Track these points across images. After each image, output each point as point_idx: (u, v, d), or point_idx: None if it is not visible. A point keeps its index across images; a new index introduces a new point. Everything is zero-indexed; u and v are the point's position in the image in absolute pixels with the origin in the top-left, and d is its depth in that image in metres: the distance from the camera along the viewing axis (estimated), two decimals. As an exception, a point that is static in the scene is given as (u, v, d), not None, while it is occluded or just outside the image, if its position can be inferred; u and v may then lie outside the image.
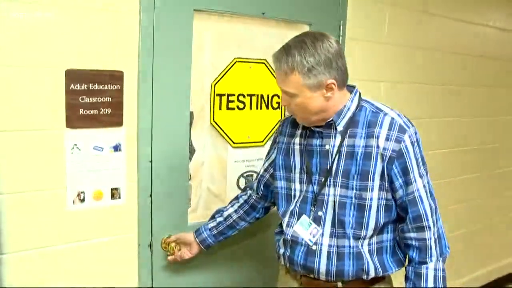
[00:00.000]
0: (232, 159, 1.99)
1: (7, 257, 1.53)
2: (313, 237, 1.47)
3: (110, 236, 1.71)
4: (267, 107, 2.07)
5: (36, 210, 1.56)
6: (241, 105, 1.99)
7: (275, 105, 2.09)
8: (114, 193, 1.71)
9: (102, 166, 1.67)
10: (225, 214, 1.76)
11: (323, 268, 1.45)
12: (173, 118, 1.81)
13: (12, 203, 1.51)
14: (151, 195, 1.78)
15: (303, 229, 1.49)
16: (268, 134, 2.09)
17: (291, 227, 1.52)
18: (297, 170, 1.55)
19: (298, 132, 1.57)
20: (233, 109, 1.97)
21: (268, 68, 2.04)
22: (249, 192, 1.77)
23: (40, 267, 1.59)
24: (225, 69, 1.93)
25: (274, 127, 2.09)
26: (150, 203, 1.78)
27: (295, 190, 1.55)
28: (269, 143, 2.06)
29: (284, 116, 2.10)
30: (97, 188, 1.67)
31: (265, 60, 2.02)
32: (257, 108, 2.04)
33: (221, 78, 1.92)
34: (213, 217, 1.79)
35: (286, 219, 1.55)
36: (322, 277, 1.46)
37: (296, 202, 1.54)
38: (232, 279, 2.07)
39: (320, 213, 1.47)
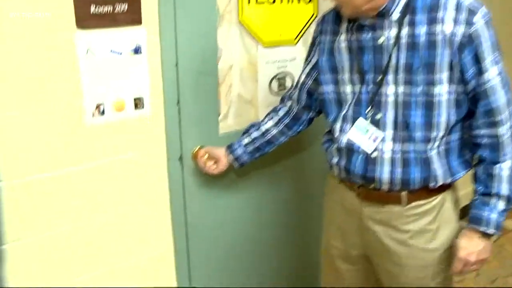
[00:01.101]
0: (263, 60, 1.77)
1: (21, 182, 1.37)
2: (373, 142, 1.30)
3: (136, 151, 1.54)
4: (298, 0, 1.80)
5: (51, 127, 1.37)
6: (271, -1, 1.73)
7: (308, -2, 1.83)
8: (137, 103, 1.51)
9: (122, 72, 1.46)
10: (263, 128, 1.59)
11: (386, 177, 1.29)
12: (198, 14, 1.56)
13: (24, 121, 1.32)
14: (178, 103, 1.58)
15: (361, 134, 1.31)
16: (300, 32, 1.84)
17: (345, 134, 1.35)
18: (346, 70, 1.35)
19: (343, 27, 1.36)
20: (263, 3, 1.71)
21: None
22: (289, 103, 1.58)
23: (59, 190, 1.44)
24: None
25: (307, 24, 1.85)
26: (178, 112, 1.59)
27: (345, 93, 1.36)
28: (302, 42, 1.84)
29: (318, 12, 1.85)
30: (118, 98, 1.47)
31: None
32: (288, 2, 1.78)
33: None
34: (247, 132, 1.61)
35: (338, 125, 1.37)
36: (385, 186, 1.31)
37: (349, 105, 1.35)
38: (271, 197, 1.95)
39: (378, 116, 1.29)
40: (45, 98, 1.34)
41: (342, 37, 1.35)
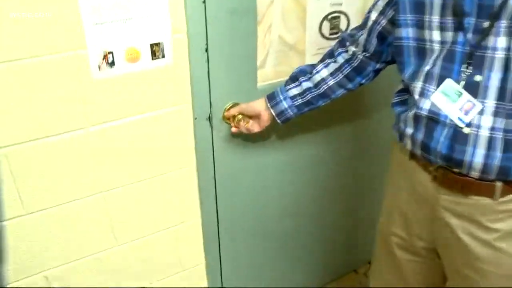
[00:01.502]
0: (313, -6, 1.41)
1: (28, 145, 1.11)
2: (466, 114, 0.97)
3: (155, 110, 1.25)
4: None
5: (51, 82, 1.08)
6: None
7: None
8: (156, 50, 1.20)
9: (134, 11, 1.13)
10: (317, 78, 1.25)
11: (478, 162, 0.97)
12: None
13: (21, 70, 1.03)
14: (206, 49, 1.26)
15: (449, 101, 0.98)
16: (359, -45, 1.45)
17: (427, 97, 1.02)
18: (437, 10, 0.99)
19: None
20: None
21: None
22: (353, 48, 1.22)
23: (68, 154, 1.18)
24: None
25: None
26: (207, 61, 1.27)
27: (432, 42, 1.01)
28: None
29: None
30: (130, 45, 1.16)
31: None
32: None
33: None
34: (295, 80, 1.28)
35: (418, 85, 1.04)
36: (475, 173, 0.99)
37: (435, 59, 1.01)
38: (315, 164, 1.66)
39: (478, 78, 0.95)
40: (41, 49, 1.04)
41: None
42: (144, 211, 1.37)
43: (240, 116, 1.32)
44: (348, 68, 1.23)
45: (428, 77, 1.01)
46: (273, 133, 1.51)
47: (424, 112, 1.02)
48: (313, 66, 1.27)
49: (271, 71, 1.44)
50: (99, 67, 1.14)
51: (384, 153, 1.48)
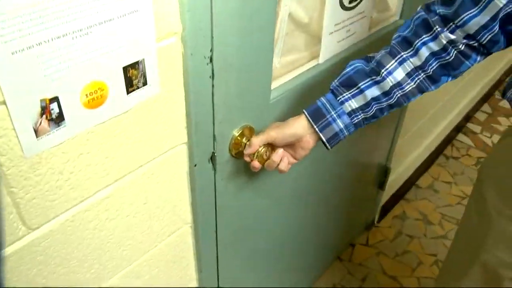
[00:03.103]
0: None
1: None
2: None
3: (129, 173, 0.72)
4: None
5: None
6: None
7: None
8: (133, 76, 0.65)
9: (89, 14, 0.56)
10: (388, 82, 0.80)
11: None
12: None
13: None
14: (211, 58, 0.73)
15: None
16: None
17: None
18: None
19: None
20: None
21: None
22: (449, 35, 0.77)
23: None
24: None
25: None
26: (211, 77, 0.75)
27: None
28: None
29: None
30: (89, 78, 0.59)
31: None
32: None
33: None
34: (351, 85, 0.81)
35: None
36: None
37: None
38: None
39: None
40: None
41: None
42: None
43: (263, 148, 0.84)
44: (435, 64, 0.80)
45: None
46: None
47: None
48: (377, 63, 0.81)
49: (279, 65, 0.95)
50: (35, 132, 0.57)
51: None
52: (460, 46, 0.77)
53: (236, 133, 0.86)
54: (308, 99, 1.00)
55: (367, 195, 1.82)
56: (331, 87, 0.83)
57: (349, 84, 0.81)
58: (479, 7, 0.73)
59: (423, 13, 0.80)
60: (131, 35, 0.61)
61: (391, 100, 0.81)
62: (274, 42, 0.85)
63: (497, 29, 0.74)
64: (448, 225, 2.06)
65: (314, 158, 1.21)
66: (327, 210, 1.50)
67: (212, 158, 0.85)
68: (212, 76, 0.74)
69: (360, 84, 0.81)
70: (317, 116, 0.82)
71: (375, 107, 0.81)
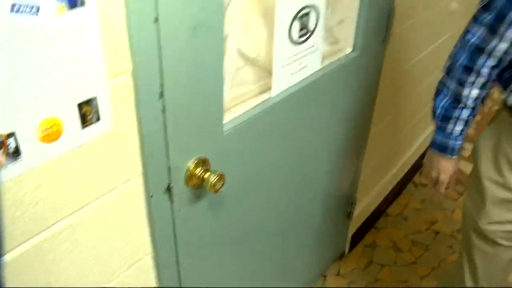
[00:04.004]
0: (279, -13, 0.99)
1: None
2: None
3: (84, 206, 0.76)
4: None
5: None
6: None
7: None
8: (87, 112, 0.70)
9: (47, 53, 0.62)
10: (471, 102, 1.11)
11: None
12: None
13: None
14: (162, 94, 0.78)
15: None
16: None
17: None
18: None
19: None
20: None
21: None
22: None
23: None
24: None
25: None
26: (163, 110, 0.80)
27: None
28: None
29: None
30: (45, 114, 0.64)
31: None
32: None
33: None
34: (450, 117, 1.14)
35: None
36: None
37: None
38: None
39: None
40: None
41: None
42: None
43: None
44: (494, 73, 1.08)
45: None
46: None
47: None
48: (455, 96, 1.12)
49: (229, 98, 1.02)
50: (-6, 165, 0.61)
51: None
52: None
53: (191, 164, 0.91)
54: (262, 130, 1.07)
55: (336, 226, 1.86)
56: (438, 126, 1.17)
57: (447, 118, 1.14)
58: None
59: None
60: (84, 74, 0.67)
61: (477, 108, 1.13)
62: (223, 76, 0.91)
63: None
64: (417, 251, 2.10)
65: (278, 189, 1.27)
66: (294, 242, 1.54)
67: (168, 189, 0.90)
68: (164, 110, 0.80)
69: (454, 114, 1.13)
70: (447, 150, 1.18)
71: (471, 118, 1.14)
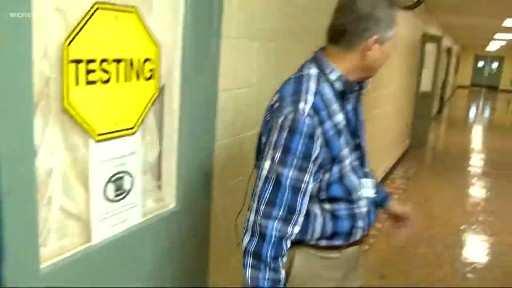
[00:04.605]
0: (97, 158, 1.30)
1: None
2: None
3: None
4: (137, 77, 1.42)
5: None
6: (105, 77, 1.29)
7: (148, 74, 1.45)
8: None
9: None
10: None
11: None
12: (5, 102, 1.04)
13: None
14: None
15: (370, 189, 1.45)
16: (139, 117, 1.44)
17: (362, 199, 1.42)
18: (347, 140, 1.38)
19: (335, 107, 1.34)
20: (95, 82, 1.27)
21: (139, 19, 1.38)
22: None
23: None
24: (82, 19, 1.20)
25: (147, 106, 1.46)
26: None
27: (351, 160, 1.40)
28: (141, 130, 1.47)
29: (158, 91, 1.50)
30: None
31: (134, 7, 1.36)
32: (125, 80, 1.37)
33: (76, 34, 1.19)
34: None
35: (356, 193, 1.40)
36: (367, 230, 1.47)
37: (357, 170, 1.42)
38: None
39: (368, 168, 1.49)
40: None
41: (340, 115, 1.35)
42: None
43: None
44: None
45: (359, 184, 1.45)
46: None
47: (363, 208, 1.43)
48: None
49: (53, 247, 1.24)
50: None
51: None
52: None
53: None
54: (83, 272, 1.28)
55: None
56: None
57: None
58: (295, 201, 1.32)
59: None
60: None
61: None
62: (39, 232, 1.15)
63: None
64: None
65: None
66: None
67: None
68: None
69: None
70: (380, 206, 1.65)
71: None
